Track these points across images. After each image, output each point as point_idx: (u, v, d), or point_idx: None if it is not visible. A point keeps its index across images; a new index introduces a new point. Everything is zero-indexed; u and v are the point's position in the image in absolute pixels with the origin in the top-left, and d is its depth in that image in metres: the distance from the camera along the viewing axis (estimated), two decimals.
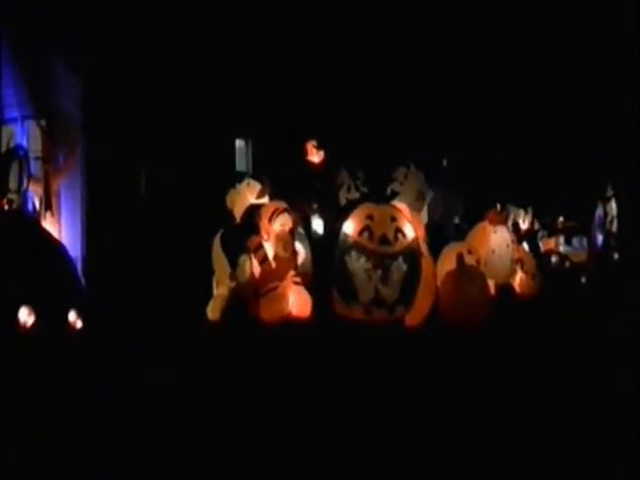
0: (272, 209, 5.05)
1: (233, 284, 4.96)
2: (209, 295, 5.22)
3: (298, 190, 6.09)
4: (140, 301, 5.67)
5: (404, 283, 4.72)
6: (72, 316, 4.46)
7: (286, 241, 4.95)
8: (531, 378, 4.12)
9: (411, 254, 4.83)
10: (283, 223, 5.00)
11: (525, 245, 8.11)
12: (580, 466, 2.84)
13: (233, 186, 5.71)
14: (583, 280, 9.36)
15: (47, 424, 3.15)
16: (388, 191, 5.69)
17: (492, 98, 9.86)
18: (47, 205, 5.86)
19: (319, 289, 4.98)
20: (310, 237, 5.80)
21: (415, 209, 5.67)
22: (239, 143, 8.30)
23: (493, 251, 6.16)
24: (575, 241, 9.86)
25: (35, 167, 6.24)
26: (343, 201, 6.23)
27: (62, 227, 6.12)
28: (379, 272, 4.67)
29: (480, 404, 3.64)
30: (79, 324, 4.48)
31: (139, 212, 6.73)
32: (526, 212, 9.01)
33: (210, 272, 5.30)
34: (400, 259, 4.72)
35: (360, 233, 4.78)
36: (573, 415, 3.47)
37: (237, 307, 4.83)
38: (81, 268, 5.89)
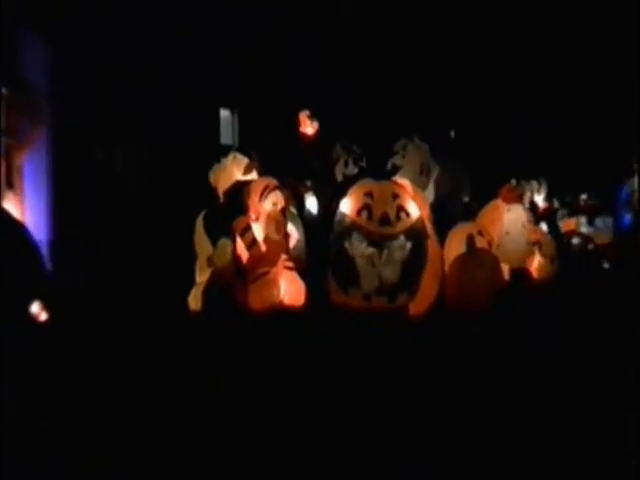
0: (262, 186, 5.04)
1: (210, 270, 4.97)
2: (192, 283, 5.25)
3: (290, 165, 6.09)
4: (114, 290, 5.67)
5: (407, 267, 4.73)
6: (35, 308, 4.45)
7: (278, 222, 4.95)
8: (549, 371, 4.13)
9: (415, 235, 4.82)
10: (275, 202, 5.00)
11: (543, 225, 8.12)
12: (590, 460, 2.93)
13: (217, 161, 5.71)
14: (608, 264, 9.37)
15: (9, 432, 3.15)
16: (389, 165, 5.69)
17: (505, 62, 9.83)
18: (9, 182, 5.84)
19: (313, 275, 5.00)
20: (303, 217, 5.81)
21: (419, 185, 5.66)
22: (224, 113, 8.29)
23: (507, 232, 6.16)
24: (599, 221, 9.85)
25: None
26: (340, 177, 6.25)
27: (25, 207, 6.11)
28: (379, 255, 4.68)
29: (491, 399, 3.65)
30: (43, 316, 4.47)
31: (113, 191, 6.72)
32: (540, 184, 8.98)
33: (192, 257, 5.31)
34: (402, 240, 4.73)
35: (358, 212, 4.78)
36: (590, 412, 3.49)
37: (221, 295, 4.84)
38: (47, 253, 5.89)
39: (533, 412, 3.47)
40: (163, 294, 5.32)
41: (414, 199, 5.00)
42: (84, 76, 6.59)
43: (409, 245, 4.75)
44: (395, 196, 4.87)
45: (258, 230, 4.95)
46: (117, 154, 6.86)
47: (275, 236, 4.92)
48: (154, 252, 6.23)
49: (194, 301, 5.13)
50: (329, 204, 5.06)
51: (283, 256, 5.00)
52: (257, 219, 4.96)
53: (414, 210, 4.90)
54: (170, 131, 7.06)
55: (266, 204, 4.97)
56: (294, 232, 5.44)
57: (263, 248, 4.92)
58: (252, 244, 4.90)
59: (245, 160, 5.59)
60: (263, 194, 4.97)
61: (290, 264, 5.02)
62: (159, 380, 3.87)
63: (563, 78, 10.48)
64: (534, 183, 8.96)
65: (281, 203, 5.02)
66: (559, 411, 3.51)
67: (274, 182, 5.07)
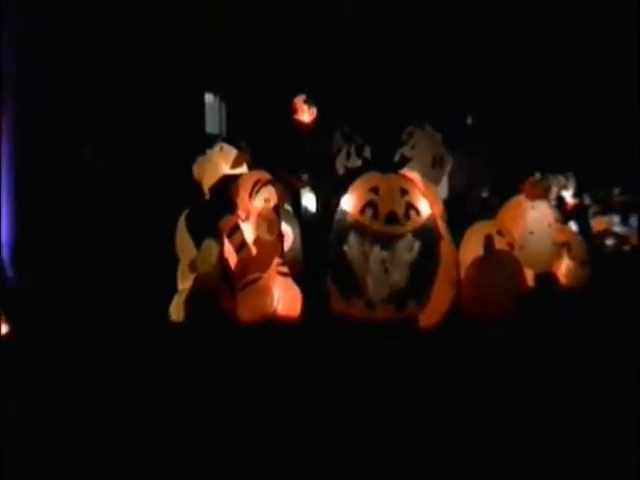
0: (253, 180, 5.05)
1: (193, 276, 4.97)
2: (173, 291, 5.24)
3: (284, 157, 6.09)
4: (85, 300, 5.66)
5: (416, 272, 4.73)
6: None
7: (271, 221, 4.96)
8: (577, 386, 4.14)
9: (426, 236, 4.82)
10: (267, 198, 5.02)
11: (572, 224, 8.12)
12: None
13: (202, 152, 5.71)
14: None
15: None
16: (396, 157, 5.70)
17: (529, 38, 9.81)
18: None
19: (311, 281, 5.00)
20: (300, 216, 5.81)
21: (431, 179, 5.68)
22: (209, 98, 8.28)
23: (531, 232, 6.18)
24: (634, 219, 9.83)
25: None
26: (341, 170, 6.26)
27: None
28: (385, 258, 4.68)
29: (512, 422, 3.66)
30: (4, 330, 4.46)
31: (83, 187, 6.72)
32: (567, 179, 8.98)
33: (174, 262, 5.32)
34: (410, 240, 4.74)
35: (362, 210, 4.77)
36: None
37: (206, 305, 4.84)
38: (8, 258, 5.89)
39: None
40: (141, 303, 5.32)
41: (425, 195, 5.00)
42: (51, 58, 6.59)
43: (417, 245, 4.74)
44: (404, 192, 4.86)
45: (248, 230, 4.96)
46: (87, 145, 6.85)
47: (267, 237, 4.93)
48: (130, 256, 6.23)
49: (176, 311, 5.11)
50: (329, 201, 5.05)
51: (276, 260, 5.01)
52: (247, 218, 4.97)
53: (425, 207, 4.89)
54: (148, 119, 7.05)
55: (257, 201, 4.98)
56: (289, 232, 5.46)
57: (254, 251, 4.93)
58: (241, 246, 4.91)
59: (233, 151, 5.57)
60: (254, 190, 4.98)
61: (284, 269, 5.03)
62: (137, 400, 3.87)
63: (594, 58, 10.47)
64: (561, 178, 8.95)
65: (274, 200, 5.03)
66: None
67: (266, 176, 5.08)
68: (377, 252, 4.69)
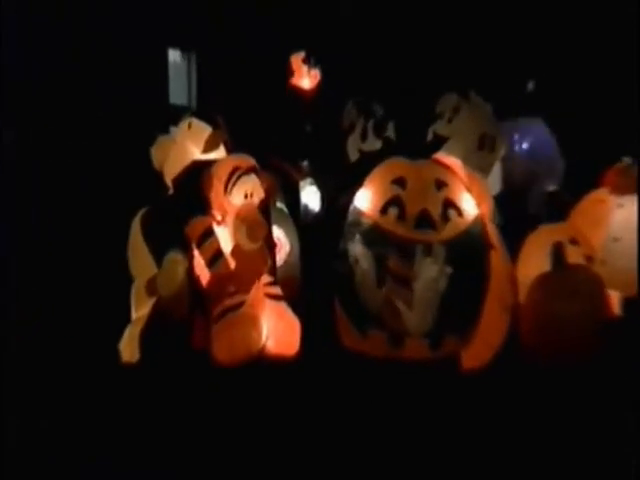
0: (230, 168, 5.03)
1: (152, 300, 4.96)
2: (125, 321, 5.24)
3: (276, 137, 6.10)
4: (17, 330, 5.68)
5: (459, 294, 4.74)
6: None
7: (252, 223, 4.94)
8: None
9: (471, 244, 4.85)
10: (248, 191, 5.01)
11: None
12: None
13: (164, 131, 5.73)
14: None
15: None
16: (430, 136, 5.70)
17: None
18: None
19: (313, 306, 4.99)
20: (298, 217, 5.82)
21: (478, 166, 5.66)
22: (174, 56, 8.33)
23: (616, 239, 6.16)
24: None
25: None
26: (354, 155, 6.26)
27: None
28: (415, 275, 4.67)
29: None
30: None
31: (7, 182, 6.76)
32: None
33: (126, 281, 5.32)
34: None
35: (383, 209, 4.79)
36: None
37: (169, 340, 4.84)
38: None
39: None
40: (80, 339, 5.33)
41: (469, 189, 5.00)
42: None
43: (462, 260, 4.73)
44: (440, 184, 4.88)
45: (224, 236, 4.94)
46: (9, 131, 6.90)
47: (249, 245, 4.90)
48: (68, 273, 6.24)
49: (128, 349, 5.12)
50: (337, 196, 5.06)
51: (265, 277, 5.01)
52: (223, 220, 4.95)
53: (470, 206, 4.91)
54: (93, 86, 7.09)
55: (234, 196, 4.94)
56: (282, 240, 5.47)
57: (232, 265, 4.90)
58: (216, 258, 4.89)
59: (207, 129, 5.60)
60: (230, 181, 4.94)
61: (276, 290, 5.03)
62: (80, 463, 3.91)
63: None
64: None
65: (258, 194, 5.02)
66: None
67: (248, 161, 5.06)
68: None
